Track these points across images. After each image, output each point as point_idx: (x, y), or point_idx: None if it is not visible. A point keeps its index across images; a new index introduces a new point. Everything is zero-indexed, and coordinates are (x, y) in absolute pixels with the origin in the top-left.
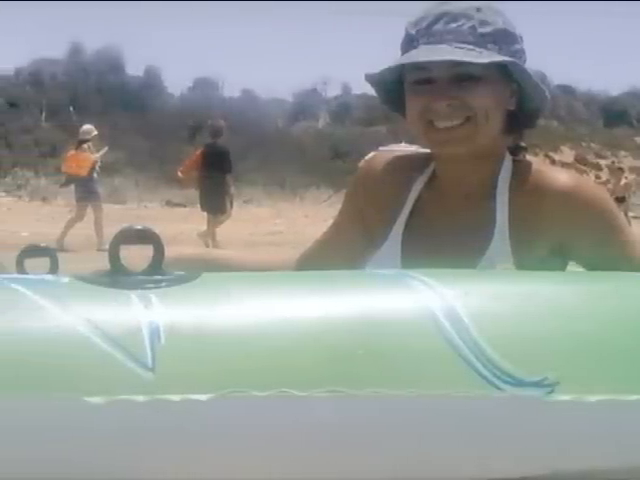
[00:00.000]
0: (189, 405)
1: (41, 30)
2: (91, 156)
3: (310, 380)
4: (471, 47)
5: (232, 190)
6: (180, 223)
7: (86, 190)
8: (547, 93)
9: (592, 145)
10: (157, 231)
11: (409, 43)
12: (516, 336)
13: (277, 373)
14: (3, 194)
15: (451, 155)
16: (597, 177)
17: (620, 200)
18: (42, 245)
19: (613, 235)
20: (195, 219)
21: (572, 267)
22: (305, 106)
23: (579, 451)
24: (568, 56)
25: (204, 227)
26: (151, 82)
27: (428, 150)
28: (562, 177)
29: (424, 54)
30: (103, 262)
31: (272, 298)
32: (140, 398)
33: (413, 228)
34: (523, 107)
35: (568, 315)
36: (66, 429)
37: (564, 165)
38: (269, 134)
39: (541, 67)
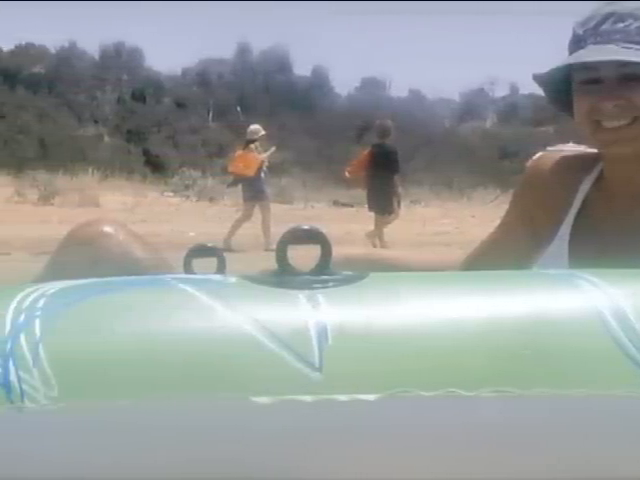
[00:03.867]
0: (356, 405)
1: (208, 30)
2: (258, 156)
3: (477, 380)
4: (639, 47)
5: (400, 190)
6: (347, 223)
7: (253, 190)
8: None
9: None
10: (324, 231)
11: (577, 43)
12: None
13: (444, 373)
14: (171, 194)
15: (619, 155)
16: None
17: None
18: (209, 245)
19: None
20: (362, 219)
21: None
22: (472, 106)
23: None
24: None
25: (371, 227)
26: (318, 82)
27: (596, 150)
28: None
29: (592, 54)
30: (270, 262)
31: (440, 298)
32: (307, 398)
33: (580, 228)
34: None
35: None
36: (234, 429)
37: None
38: (436, 134)
39: None
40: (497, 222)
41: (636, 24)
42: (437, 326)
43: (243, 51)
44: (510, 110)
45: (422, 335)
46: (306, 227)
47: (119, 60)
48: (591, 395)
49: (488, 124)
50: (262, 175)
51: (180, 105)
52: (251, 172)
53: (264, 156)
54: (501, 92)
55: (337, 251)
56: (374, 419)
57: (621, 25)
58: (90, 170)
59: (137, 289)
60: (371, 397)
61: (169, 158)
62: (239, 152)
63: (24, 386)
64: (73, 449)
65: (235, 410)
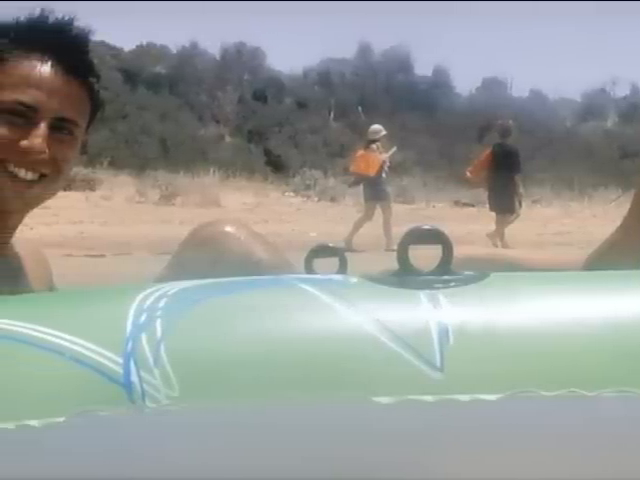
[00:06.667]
0: (478, 405)
1: (330, 30)
2: (380, 156)
3: (599, 380)
4: None
5: (521, 190)
6: (469, 223)
7: (375, 190)
8: None
9: None
10: (446, 231)
11: None
12: None
13: (566, 373)
14: (292, 194)
15: None
16: None
17: None
18: (331, 245)
19: None
20: (484, 219)
21: None
22: (594, 106)
23: None
24: None
25: (493, 227)
26: (440, 82)
27: None
28: None
29: None
30: (392, 262)
31: (561, 298)
32: (429, 398)
33: None
34: None
35: None
36: (355, 429)
37: None
38: (557, 134)
39: None
40: (618, 222)
41: None
42: (558, 326)
43: (365, 51)
44: (631, 110)
45: (543, 335)
46: (427, 227)
47: (240, 60)
48: None
49: (609, 124)
50: (383, 175)
51: (301, 105)
52: (372, 172)
53: (385, 156)
54: (622, 92)
55: (458, 251)
56: (495, 419)
57: None
58: (211, 170)
59: (258, 289)
60: (492, 397)
61: (290, 158)
62: (360, 152)
63: (145, 386)
64: (194, 449)
65: (356, 410)
